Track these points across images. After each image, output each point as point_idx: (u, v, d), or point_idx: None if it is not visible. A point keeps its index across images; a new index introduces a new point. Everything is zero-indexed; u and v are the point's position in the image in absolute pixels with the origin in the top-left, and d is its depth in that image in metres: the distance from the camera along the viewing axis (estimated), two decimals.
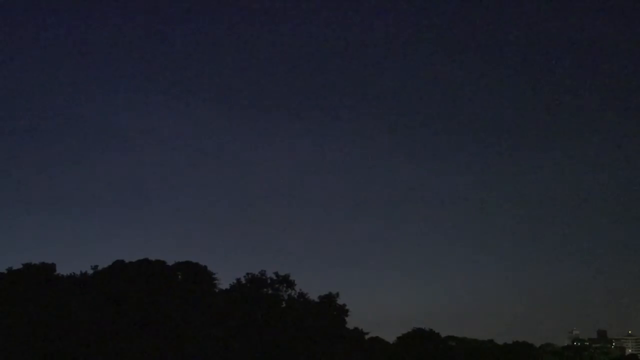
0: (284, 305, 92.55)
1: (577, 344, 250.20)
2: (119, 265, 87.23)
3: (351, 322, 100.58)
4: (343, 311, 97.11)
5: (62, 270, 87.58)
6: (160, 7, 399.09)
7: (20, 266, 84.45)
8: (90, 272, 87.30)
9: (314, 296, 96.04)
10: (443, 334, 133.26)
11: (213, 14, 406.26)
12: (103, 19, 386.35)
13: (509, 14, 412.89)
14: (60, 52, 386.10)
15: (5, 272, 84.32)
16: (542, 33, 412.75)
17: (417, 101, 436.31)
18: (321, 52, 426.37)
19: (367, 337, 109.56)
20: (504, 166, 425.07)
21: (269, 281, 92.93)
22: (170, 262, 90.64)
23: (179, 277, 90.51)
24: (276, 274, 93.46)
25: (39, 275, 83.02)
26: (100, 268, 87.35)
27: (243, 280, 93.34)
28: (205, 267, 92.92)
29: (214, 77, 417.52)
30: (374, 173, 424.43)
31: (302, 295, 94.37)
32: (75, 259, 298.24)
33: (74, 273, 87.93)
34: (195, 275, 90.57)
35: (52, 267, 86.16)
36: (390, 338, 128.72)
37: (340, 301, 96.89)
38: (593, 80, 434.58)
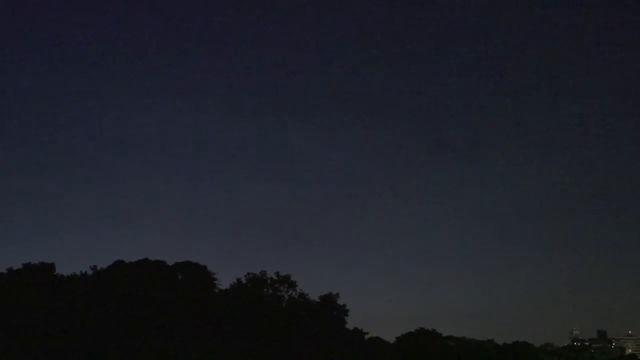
0: (284, 305, 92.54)
1: (577, 344, 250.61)
2: (119, 265, 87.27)
3: (351, 322, 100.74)
4: (343, 311, 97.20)
5: (62, 270, 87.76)
6: (162, 7, 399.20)
7: (20, 266, 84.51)
8: (90, 272, 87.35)
9: (314, 296, 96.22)
10: (443, 334, 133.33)
11: (215, 14, 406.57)
12: (104, 19, 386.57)
13: (509, 14, 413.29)
14: (59, 52, 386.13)
15: (5, 272, 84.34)
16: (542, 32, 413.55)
17: (418, 101, 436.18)
18: (322, 53, 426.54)
19: (367, 337, 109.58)
20: (504, 166, 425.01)
21: (269, 281, 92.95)
22: (170, 262, 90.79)
23: (179, 277, 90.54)
24: (277, 274, 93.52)
25: (39, 275, 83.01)
26: (100, 268, 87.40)
27: (243, 280, 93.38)
28: (205, 267, 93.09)
29: (215, 77, 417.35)
30: (375, 173, 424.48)
31: (302, 295, 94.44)
32: (75, 259, 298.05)
33: (74, 273, 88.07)
34: (195, 275, 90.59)
35: (52, 267, 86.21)
36: (390, 338, 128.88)
37: (340, 301, 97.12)
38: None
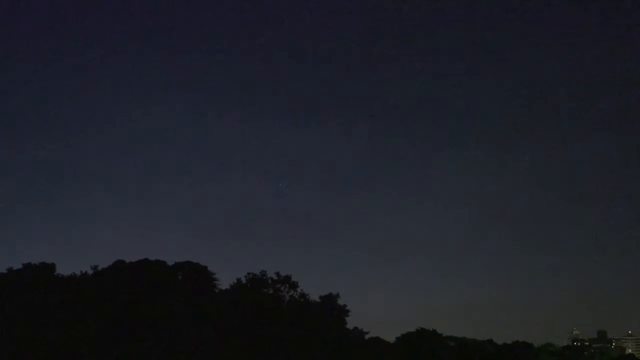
0: (284, 305, 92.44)
1: (577, 344, 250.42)
2: (119, 265, 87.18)
3: (351, 322, 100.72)
4: (343, 311, 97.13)
5: (62, 270, 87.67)
6: (162, 6, 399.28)
7: (20, 266, 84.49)
8: (90, 272, 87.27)
9: (314, 296, 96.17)
10: (443, 334, 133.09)
11: (215, 14, 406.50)
12: (105, 17, 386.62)
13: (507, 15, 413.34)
14: (60, 51, 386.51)
15: (5, 272, 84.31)
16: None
17: (418, 102, 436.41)
18: (322, 53, 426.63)
19: (367, 337, 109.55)
20: (505, 168, 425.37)
21: (270, 281, 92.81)
22: (170, 262, 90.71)
23: (179, 277, 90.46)
24: (277, 274, 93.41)
25: (39, 275, 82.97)
26: (100, 268, 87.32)
27: (244, 280, 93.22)
28: (206, 267, 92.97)
29: (214, 78, 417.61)
30: (375, 173, 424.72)
31: (303, 295, 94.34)
32: (75, 259, 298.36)
33: (74, 273, 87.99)
34: (195, 275, 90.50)
35: (52, 267, 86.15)
36: (390, 338, 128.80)
37: (340, 301, 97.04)
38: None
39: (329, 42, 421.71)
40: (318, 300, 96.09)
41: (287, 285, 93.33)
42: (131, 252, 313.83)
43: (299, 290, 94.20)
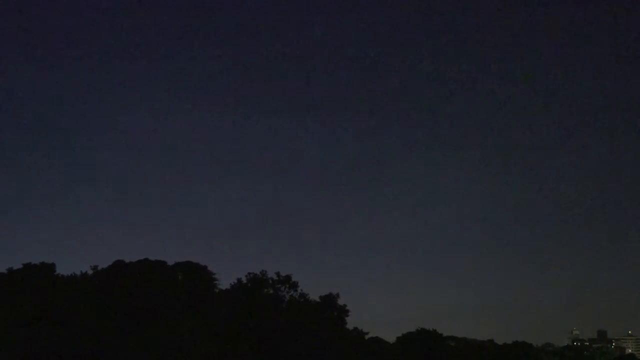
0: (284, 305, 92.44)
1: (577, 344, 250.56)
2: (119, 265, 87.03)
3: (351, 322, 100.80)
4: (343, 311, 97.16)
5: (62, 270, 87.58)
6: (161, 6, 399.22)
7: (20, 266, 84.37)
8: (90, 272, 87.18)
9: (314, 296, 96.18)
10: (443, 334, 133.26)
11: (215, 14, 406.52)
12: (105, 18, 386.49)
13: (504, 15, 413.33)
14: (61, 51, 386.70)
15: (5, 272, 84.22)
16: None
17: (418, 102, 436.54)
18: (322, 53, 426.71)
19: (367, 337, 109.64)
20: (505, 167, 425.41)
21: (270, 281, 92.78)
22: (170, 262, 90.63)
23: (179, 277, 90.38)
24: (277, 274, 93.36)
25: (39, 275, 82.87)
26: (100, 268, 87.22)
27: (244, 280, 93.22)
28: (206, 267, 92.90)
29: (214, 78, 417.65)
30: (374, 174, 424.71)
31: (303, 295, 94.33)
32: (75, 259, 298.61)
33: (74, 273, 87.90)
34: (195, 275, 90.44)
35: (52, 267, 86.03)
36: (390, 338, 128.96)
37: (340, 301, 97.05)
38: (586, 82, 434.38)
39: (329, 42, 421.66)
40: (318, 300, 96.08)
41: (287, 285, 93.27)
42: (131, 252, 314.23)
43: (299, 290, 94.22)
